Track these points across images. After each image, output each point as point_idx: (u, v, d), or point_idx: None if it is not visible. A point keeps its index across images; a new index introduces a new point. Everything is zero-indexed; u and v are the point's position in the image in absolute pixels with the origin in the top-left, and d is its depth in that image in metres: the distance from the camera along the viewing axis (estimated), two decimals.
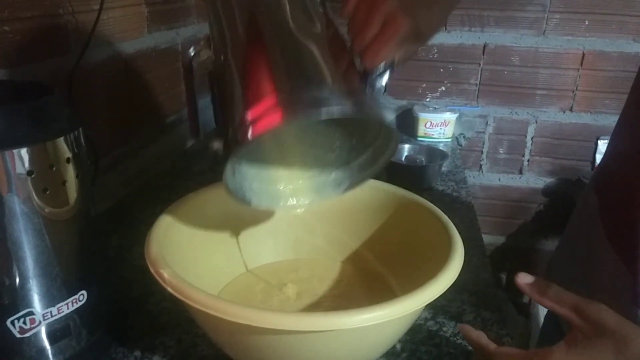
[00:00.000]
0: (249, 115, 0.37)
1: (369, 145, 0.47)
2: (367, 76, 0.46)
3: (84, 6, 0.68)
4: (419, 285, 0.39)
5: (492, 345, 0.39)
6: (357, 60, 0.45)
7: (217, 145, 0.90)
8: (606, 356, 0.33)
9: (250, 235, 0.58)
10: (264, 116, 0.36)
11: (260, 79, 0.39)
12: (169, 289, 0.37)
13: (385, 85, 0.46)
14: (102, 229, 0.71)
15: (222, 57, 0.44)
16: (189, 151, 1.06)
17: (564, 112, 1.25)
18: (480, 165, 1.34)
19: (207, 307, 0.35)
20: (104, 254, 0.63)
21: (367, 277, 0.58)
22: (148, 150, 0.91)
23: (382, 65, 0.45)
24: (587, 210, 0.58)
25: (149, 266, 0.40)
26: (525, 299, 1.39)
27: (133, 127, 0.86)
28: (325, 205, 0.60)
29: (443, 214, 0.52)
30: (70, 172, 0.41)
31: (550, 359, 0.34)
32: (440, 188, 0.91)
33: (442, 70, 1.25)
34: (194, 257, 0.50)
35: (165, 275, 0.38)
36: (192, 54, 0.78)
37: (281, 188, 0.50)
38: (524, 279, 0.39)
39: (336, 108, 0.36)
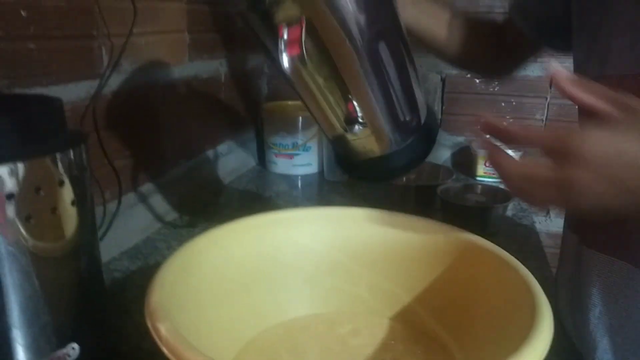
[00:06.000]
0: None
1: None
2: None
3: (120, 28, 0.64)
4: (490, 354, 0.29)
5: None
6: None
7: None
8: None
9: (281, 282, 0.50)
10: None
11: None
12: (164, 350, 0.29)
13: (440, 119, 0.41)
14: (107, 268, 0.64)
15: None
16: (225, 189, 0.99)
17: None
18: (548, 210, 1.20)
19: None
20: (103, 299, 0.56)
21: (420, 338, 0.47)
22: (182, 185, 0.85)
23: None
24: None
25: (146, 318, 0.32)
26: None
27: (167, 158, 0.81)
28: (371, 250, 0.51)
29: (520, 264, 0.41)
30: (63, 197, 0.34)
31: (580, 135, 0.33)
32: (505, 234, 0.79)
33: (503, 104, 1.15)
34: (212, 307, 0.42)
35: (162, 330, 0.30)
36: None
37: None
38: (560, 73, 0.36)
39: None
